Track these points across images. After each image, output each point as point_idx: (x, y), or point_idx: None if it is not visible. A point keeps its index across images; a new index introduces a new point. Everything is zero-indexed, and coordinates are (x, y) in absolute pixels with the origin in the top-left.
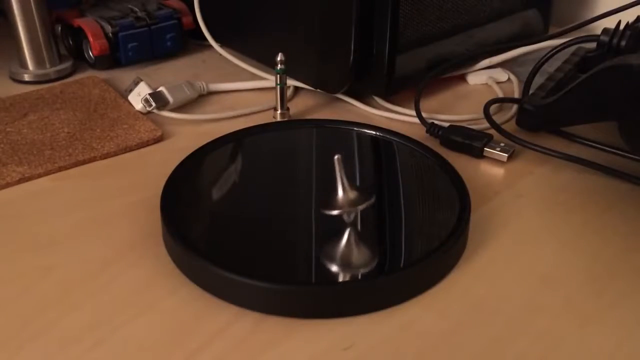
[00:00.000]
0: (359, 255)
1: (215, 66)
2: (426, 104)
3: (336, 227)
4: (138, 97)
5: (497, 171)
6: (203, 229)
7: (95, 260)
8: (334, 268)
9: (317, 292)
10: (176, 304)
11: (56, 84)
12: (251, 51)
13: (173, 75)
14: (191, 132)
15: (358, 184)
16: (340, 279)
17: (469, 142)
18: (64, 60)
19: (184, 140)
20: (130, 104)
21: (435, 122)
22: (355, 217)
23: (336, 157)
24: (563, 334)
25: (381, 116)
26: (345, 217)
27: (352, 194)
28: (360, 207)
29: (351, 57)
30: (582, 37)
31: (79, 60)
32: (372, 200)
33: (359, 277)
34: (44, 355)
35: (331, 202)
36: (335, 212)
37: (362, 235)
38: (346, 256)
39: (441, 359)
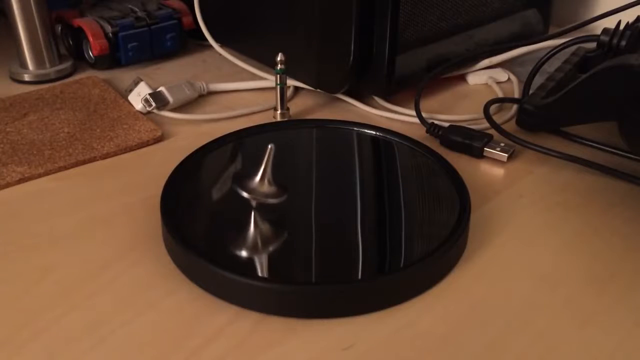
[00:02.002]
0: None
1: (215, 66)
2: (426, 104)
3: (336, 226)
4: (138, 97)
5: (497, 171)
6: (203, 229)
7: (95, 260)
8: (333, 255)
9: (317, 292)
10: (176, 304)
11: (56, 84)
12: (251, 51)
13: (173, 75)
14: (191, 132)
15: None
16: (339, 267)
17: (469, 142)
18: (64, 60)
19: (184, 140)
20: (130, 104)
21: (435, 122)
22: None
23: (270, 145)
24: (563, 334)
25: (381, 116)
26: (252, 203)
27: (266, 186)
28: (270, 200)
29: (351, 57)
30: (582, 37)
31: (79, 60)
32: (282, 198)
33: (359, 276)
34: (44, 354)
35: (246, 184)
36: (245, 195)
37: (363, 234)
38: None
39: (441, 359)
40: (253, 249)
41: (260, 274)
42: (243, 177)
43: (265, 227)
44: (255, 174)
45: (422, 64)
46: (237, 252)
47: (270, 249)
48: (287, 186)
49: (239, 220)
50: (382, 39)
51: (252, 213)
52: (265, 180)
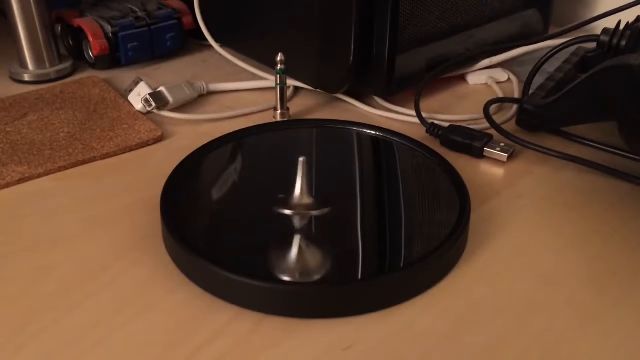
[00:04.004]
0: (308, 261)
1: (215, 66)
2: (426, 104)
3: (337, 227)
4: (138, 97)
5: (497, 171)
6: (203, 229)
7: (95, 260)
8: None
9: (317, 292)
10: (176, 304)
11: (56, 84)
12: (251, 51)
13: (173, 75)
14: (191, 132)
15: (328, 187)
16: (339, 267)
17: (469, 142)
18: (64, 60)
19: (184, 140)
20: (130, 104)
21: (435, 122)
22: (309, 222)
23: (301, 159)
24: (563, 334)
25: (381, 116)
26: (295, 221)
27: (308, 199)
28: (314, 213)
29: (351, 57)
30: (582, 37)
31: (79, 60)
32: (326, 210)
33: (359, 276)
34: (44, 355)
35: (287, 201)
36: (287, 212)
37: (363, 234)
38: (296, 263)
39: (441, 359)
40: (253, 249)
41: (260, 274)
42: (281, 197)
43: (265, 227)
44: (293, 189)
45: (422, 64)
46: (237, 252)
47: (271, 249)
48: (329, 196)
49: (239, 220)
50: (382, 39)
51: (252, 213)
52: (305, 194)
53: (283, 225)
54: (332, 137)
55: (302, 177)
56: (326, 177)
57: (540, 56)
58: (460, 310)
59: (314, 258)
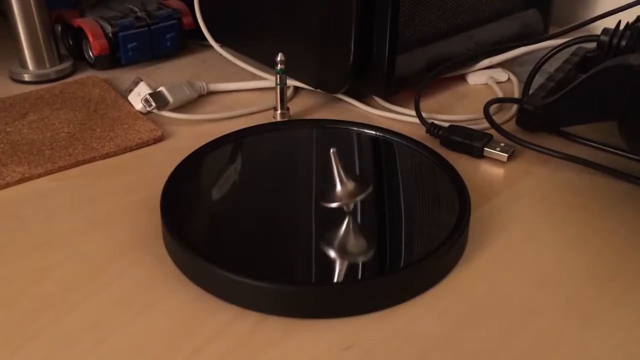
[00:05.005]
0: (357, 242)
1: (215, 66)
2: (426, 104)
3: (337, 227)
4: (138, 97)
5: (497, 171)
6: (203, 229)
7: (95, 260)
8: (333, 254)
9: (317, 292)
10: (176, 304)
11: (56, 84)
12: (251, 51)
13: (173, 75)
14: (191, 132)
15: (357, 173)
16: (339, 267)
17: (469, 142)
18: (64, 60)
19: (184, 140)
20: (130, 104)
21: (435, 122)
22: (355, 207)
23: (332, 150)
24: (563, 334)
25: (381, 116)
26: (345, 209)
27: (350, 185)
28: (359, 198)
29: (351, 57)
30: (582, 37)
31: (79, 60)
32: (370, 189)
33: (359, 276)
34: (44, 355)
35: (330, 195)
36: (334, 205)
37: (363, 234)
38: (344, 243)
39: (441, 358)
40: (253, 249)
41: (260, 274)
42: (323, 193)
43: (265, 227)
44: (333, 182)
45: (422, 64)
46: (237, 252)
47: (271, 249)
48: (364, 176)
49: (239, 220)
50: (382, 39)
51: (252, 214)
52: (345, 182)
53: (283, 225)
54: (332, 137)
55: (338, 168)
56: (326, 178)
57: (540, 56)
58: (460, 310)
59: (314, 258)
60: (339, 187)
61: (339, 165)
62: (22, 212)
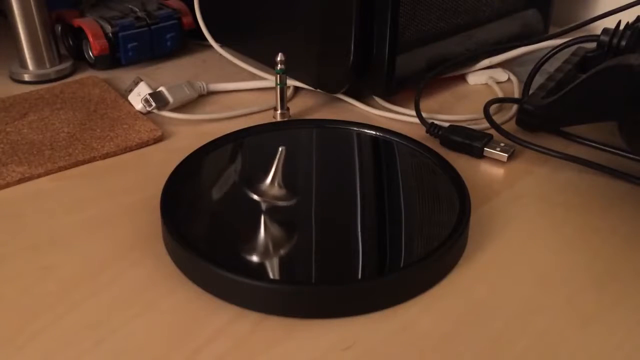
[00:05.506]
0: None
1: (215, 66)
2: (426, 104)
3: (337, 227)
4: (138, 97)
5: (497, 171)
6: (203, 229)
7: (96, 260)
8: (333, 254)
9: (317, 292)
10: (176, 304)
11: (56, 84)
12: (251, 51)
13: (173, 75)
14: (191, 132)
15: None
16: (339, 267)
17: (469, 142)
18: (64, 60)
19: (184, 140)
20: (130, 104)
21: (435, 122)
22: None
23: (281, 148)
24: (563, 334)
25: (381, 116)
26: (262, 206)
27: (278, 190)
28: (281, 203)
29: (351, 57)
30: (582, 37)
31: (79, 60)
32: (291, 202)
33: (359, 276)
34: (44, 355)
35: (257, 187)
36: (255, 197)
37: (363, 234)
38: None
39: (441, 359)
40: (253, 249)
41: (260, 274)
42: (253, 180)
43: (265, 227)
44: (266, 176)
45: (422, 64)
46: (237, 252)
47: (271, 249)
48: (297, 189)
49: (239, 220)
50: (382, 39)
51: (252, 213)
52: (276, 183)
53: (283, 225)
54: (332, 137)
55: (278, 166)
56: (326, 178)
57: (540, 56)
58: (460, 310)
59: (315, 258)
60: (267, 184)
61: (280, 166)
62: (22, 212)
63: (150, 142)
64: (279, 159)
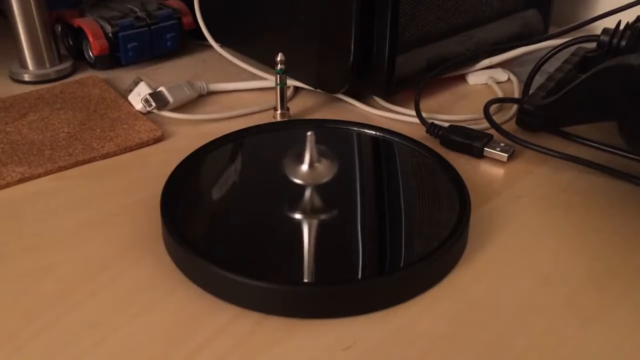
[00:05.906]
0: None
1: (215, 66)
2: (426, 104)
3: (337, 227)
4: (138, 97)
5: (497, 171)
6: (203, 229)
7: (96, 260)
8: (333, 254)
9: (317, 292)
10: (176, 304)
11: (56, 84)
12: (251, 51)
13: (173, 75)
14: (191, 132)
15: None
16: (339, 267)
17: (469, 142)
18: (64, 60)
19: (184, 140)
20: (130, 104)
21: (435, 122)
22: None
23: (309, 133)
24: (563, 334)
25: (381, 116)
26: (308, 189)
27: (318, 168)
28: (324, 180)
29: (351, 57)
30: (582, 37)
31: (79, 60)
32: (331, 176)
33: (359, 276)
34: (44, 355)
35: (297, 172)
36: (299, 182)
37: (363, 234)
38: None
39: (441, 359)
40: (253, 249)
41: (260, 274)
42: (288, 167)
43: (265, 227)
44: (301, 161)
45: (422, 64)
46: (237, 252)
47: (271, 249)
48: (335, 158)
49: (239, 220)
50: (382, 39)
51: (252, 213)
52: (315, 164)
53: (283, 225)
54: (332, 137)
55: (312, 149)
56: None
57: (540, 56)
58: (460, 310)
59: (315, 258)
60: (305, 168)
61: (314, 149)
62: (22, 212)
63: (150, 142)
64: (309, 142)
